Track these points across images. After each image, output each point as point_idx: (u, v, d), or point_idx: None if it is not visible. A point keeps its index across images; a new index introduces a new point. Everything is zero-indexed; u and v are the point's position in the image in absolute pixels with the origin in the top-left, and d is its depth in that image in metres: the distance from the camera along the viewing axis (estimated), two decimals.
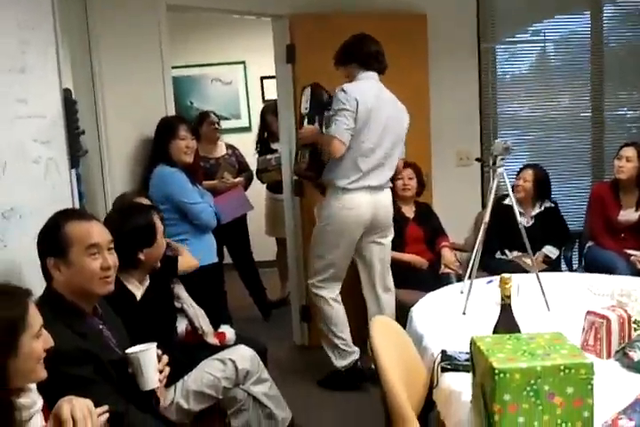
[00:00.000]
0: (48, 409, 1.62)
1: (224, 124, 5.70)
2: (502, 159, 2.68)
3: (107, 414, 1.64)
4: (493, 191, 2.70)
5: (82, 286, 2.04)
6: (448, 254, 4.10)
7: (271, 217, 5.27)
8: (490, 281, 2.92)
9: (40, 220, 2.41)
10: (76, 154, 3.12)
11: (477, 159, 4.28)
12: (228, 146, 5.02)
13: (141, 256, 2.60)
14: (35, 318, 1.57)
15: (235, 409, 2.64)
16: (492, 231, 2.73)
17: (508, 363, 1.61)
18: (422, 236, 4.21)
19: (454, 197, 4.57)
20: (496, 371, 1.59)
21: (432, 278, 3.88)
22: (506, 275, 1.96)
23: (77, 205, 3.08)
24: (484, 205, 4.62)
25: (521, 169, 4.36)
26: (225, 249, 4.90)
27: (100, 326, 2.11)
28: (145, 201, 3.13)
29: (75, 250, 2.02)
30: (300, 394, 3.26)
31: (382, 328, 2.15)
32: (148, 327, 2.41)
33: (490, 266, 3.53)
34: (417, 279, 3.90)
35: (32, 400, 1.59)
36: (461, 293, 2.75)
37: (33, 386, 1.62)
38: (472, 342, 1.79)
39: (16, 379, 1.52)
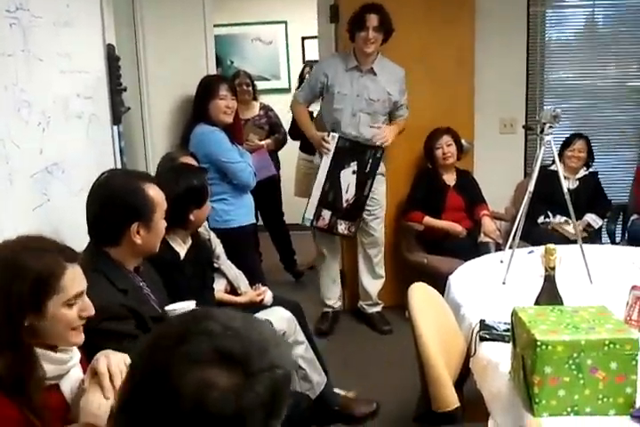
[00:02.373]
0: (87, 362, 1.63)
1: (263, 85, 5.64)
2: (550, 127, 2.61)
3: None
4: (540, 159, 2.64)
5: (151, 249, 2.08)
6: (488, 223, 4.04)
7: (300, 178, 5.22)
8: (531, 251, 2.87)
9: (83, 175, 2.43)
10: (118, 110, 3.13)
11: (525, 127, 4.18)
12: (262, 106, 4.95)
13: (191, 217, 2.63)
14: (72, 283, 1.50)
15: None
16: (535, 196, 2.68)
17: (550, 335, 1.59)
18: (462, 204, 4.15)
19: (496, 165, 4.48)
20: (538, 343, 1.57)
21: (470, 247, 3.83)
22: (551, 245, 1.92)
23: (119, 162, 3.11)
24: (526, 174, 4.54)
25: (570, 139, 4.28)
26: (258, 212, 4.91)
27: (141, 284, 2.12)
28: (191, 160, 3.14)
29: (157, 214, 2.06)
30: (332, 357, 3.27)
31: (421, 294, 2.14)
32: (189, 286, 2.43)
33: (531, 235, 3.46)
34: (454, 248, 3.86)
35: (68, 356, 1.59)
36: (501, 262, 2.71)
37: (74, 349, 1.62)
38: (514, 313, 1.77)
39: (43, 338, 1.49)
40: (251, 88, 4.90)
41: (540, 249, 2.08)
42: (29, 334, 1.45)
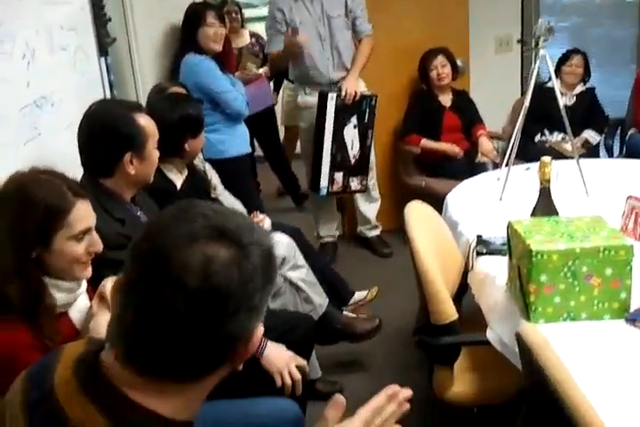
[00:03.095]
0: (92, 291, 1.66)
1: (251, 13, 5.50)
2: (545, 41, 2.56)
3: None
4: (535, 74, 2.60)
5: (146, 179, 2.07)
6: (485, 143, 4.01)
7: (286, 109, 5.12)
8: (528, 168, 2.87)
9: (73, 108, 2.40)
10: (104, 42, 3.07)
11: (519, 41, 4.10)
12: (252, 34, 4.85)
13: (186, 146, 2.61)
14: (80, 218, 1.51)
15: (272, 294, 2.70)
16: (531, 114, 2.65)
17: (545, 245, 1.60)
18: (459, 124, 4.12)
19: (492, 84, 4.42)
20: (533, 253, 1.58)
21: (468, 168, 3.82)
22: (546, 158, 1.92)
23: (109, 95, 3.06)
24: (523, 93, 4.48)
25: (567, 54, 4.22)
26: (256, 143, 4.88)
27: (139, 213, 2.13)
28: (182, 90, 3.09)
29: (150, 144, 2.04)
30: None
31: (417, 213, 2.14)
32: None
33: (528, 153, 3.44)
34: (452, 169, 3.85)
35: (77, 284, 1.62)
36: (498, 180, 2.71)
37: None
38: (509, 226, 1.78)
39: (50, 271, 1.52)
40: (239, 16, 4.79)
41: (537, 166, 2.07)
42: (38, 267, 1.49)
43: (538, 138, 4.10)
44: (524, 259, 1.63)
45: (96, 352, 0.97)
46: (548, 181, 1.94)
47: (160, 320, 0.87)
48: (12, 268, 1.45)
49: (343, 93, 3.73)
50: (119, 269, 1.80)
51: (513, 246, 1.76)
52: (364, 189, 4.01)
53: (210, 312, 0.88)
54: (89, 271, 1.58)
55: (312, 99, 3.83)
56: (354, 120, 3.83)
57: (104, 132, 1.99)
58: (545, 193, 1.96)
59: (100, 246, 1.57)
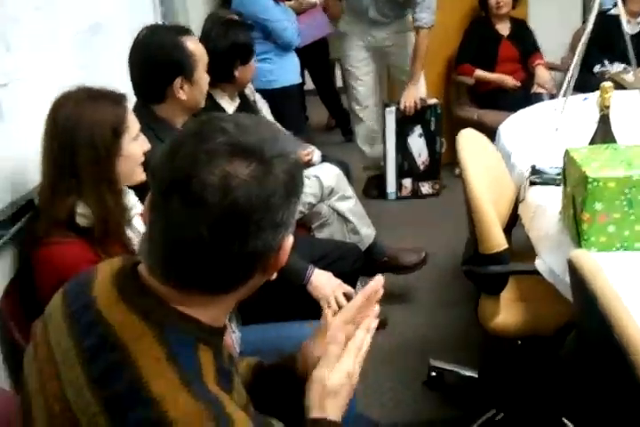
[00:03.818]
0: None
1: None
2: None
3: None
4: None
5: (197, 104, 2.06)
6: (542, 73, 3.88)
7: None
8: (586, 98, 2.76)
9: (126, 34, 2.38)
10: None
11: None
12: None
13: (236, 73, 2.59)
14: (133, 121, 1.61)
15: (319, 223, 2.71)
16: (592, 43, 2.53)
17: (602, 171, 1.55)
18: (516, 54, 3.99)
19: (552, 12, 4.24)
20: (589, 179, 1.54)
21: (523, 100, 3.67)
22: (607, 83, 1.84)
23: (159, 21, 3.04)
24: (584, 21, 4.27)
25: None
26: (307, 75, 4.81)
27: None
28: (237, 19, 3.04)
29: (199, 68, 2.02)
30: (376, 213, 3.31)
31: (470, 141, 2.09)
32: None
33: (587, 84, 3.31)
34: (506, 101, 3.75)
35: (132, 203, 1.67)
36: (555, 110, 2.62)
37: (130, 191, 1.69)
38: (566, 153, 1.73)
39: (122, 178, 1.60)
40: None
41: (596, 95, 1.99)
42: (117, 178, 1.58)
43: (597, 69, 3.93)
44: (580, 186, 1.59)
45: (134, 265, 0.99)
46: (608, 107, 1.86)
47: (184, 238, 0.88)
48: (101, 184, 1.53)
49: (402, 106, 3.70)
50: None
51: (568, 174, 1.71)
52: (438, 193, 3.99)
53: (232, 229, 0.87)
54: (144, 174, 1.66)
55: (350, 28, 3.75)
56: (418, 129, 3.85)
57: (153, 58, 1.98)
58: (604, 120, 1.89)
59: (148, 144, 1.68)
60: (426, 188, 3.99)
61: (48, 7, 1.96)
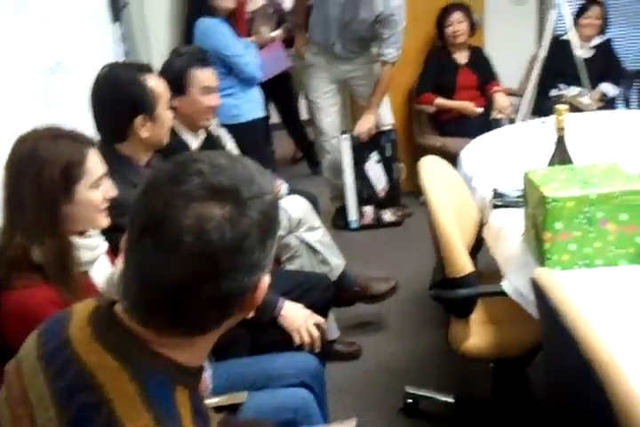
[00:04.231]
0: (113, 254, 1.68)
1: None
2: None
3: None
4: (552, 22, 2.54)
5: (160, 141, 2.06)
6: (501, 99, 3.96)
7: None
8: (544, 122, 2.83)
9: (88, 74, 2.39)
10: (116, 6, 3.05)
11: None
12: None
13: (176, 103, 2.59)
14: (95, 166, 1.56)
15: (288, 256, 2.71)
16: (547, 68, 2.60)
17: (560, 191, 1.59)
18: (475, 82, 4.06)
19: (508, 39, 4.34)
20: (548, 199, 1.57)
21: (484, 126, 3.76)
22: (561, 106, 1.89)
23: (122, 59, 3.06)
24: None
25: (585, 5, 4.10)
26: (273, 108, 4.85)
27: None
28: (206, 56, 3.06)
29: (161, 105, 2.03)
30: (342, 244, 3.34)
31: (431, 167, 2.13)
32: None
33: (544, 109, 3.40)
34: (468, 128, 3.81)
35: (95, 243, 1.64)
36: (543, 123, 2.64)
37: (96, 230, 1.67)
38: (525, 175, 1.77)
39: (74, 224, 1.55)
40: None
41: (553, 118, 2.04)
42: (63, 222, 1.51)
43: (554, 92, 4.03)
44: (540, 207, 1.62)
45: (110, 304, 0.98)
46: (563, 129, 1.91)
47: (159, 280, 0.87)
48: (40, 226, 1.47)
49: (356, 133, 3.76)
50: None
51: (528, 196, 1.75)
52: (401, 221, 4.02)
53: (207, 271, 0.87)
54: (107, 220, 1.62)
55: (316, 60, 3.83)
56: (374, 155, 3.90)
57: (113, 96, 1.99)
58: (561, 141, 1.93)
59: (114, 191, 1.62)
60: (388, 215, 4.01)
61: (8, 48, 1.97)
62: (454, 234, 1.82)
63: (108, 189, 1.61)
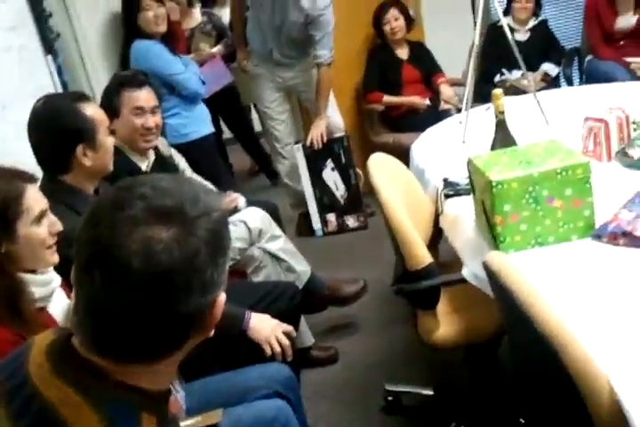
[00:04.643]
0: (68, 287, 1.66)
1: None
2: None
3: None
4: (480, 12, 2.57)
5: (104, 168, 2.04)
6: (446, 90, 4.00)
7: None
8: (488, 108, 2.84)
9: (23, 110, 2.36)
10: (48, 38, 3.02)
11: None
12: (204, 12, 4.76)
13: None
14: (35, 201, 1.52)
15: (253, 267, 2.69)
16: (488, 54, 2.63)
17: (504, 174, 1.60)
18: (419, 76, 4.09)
19: (447, 31, 4.37)
20: (493, 183, 1.58)
21: (433, 118, 3.76)
22: (497, 90, 1.91)
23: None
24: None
25: None
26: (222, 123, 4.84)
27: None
28: (140, 77, 3.04)
29: (101, 132, 2.00)
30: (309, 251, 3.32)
31: (379, 163, 2.14)
32: None
33: (489, 94, 3.42)
34: (418, 122, 3.80)
35: (49, 277, 1.61)
36: (460, 123, 2.70)
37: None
38: (469, 162, 1.78)
39: (21, 263, 1.51)
40: None
41: None
42: (9, 261, 1.47)
43: (498, 78, 4.07)
44: (486, 192, 1.63)
45: (67, 336, 0.96)
46: (502, 112, 1.93)
47: (110, 309, 0.86)
48: None
49: (308, 142, 3.77)
50: None
51: (475, 182, 1.76)
52: (365, 225, 4.02)
53: (159, 294, 0.86)
54: (57, 256, 1.58)
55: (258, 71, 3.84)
56: (329, 163, 3.91)
57: (52, 128, 1.96)
58: (501, 125, 1.95)
59: (59, 225, 1.58)
60: (351, 221, 4.01)
61: None
62: (408, 227, 1.83)
63: (53, 224, 1.57)
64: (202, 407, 1.66)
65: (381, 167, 2.14)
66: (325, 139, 3.78)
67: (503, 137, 1.95)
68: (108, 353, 0.90)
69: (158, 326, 0.87)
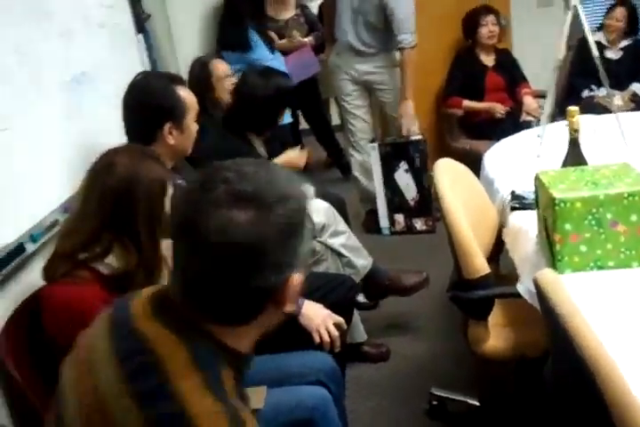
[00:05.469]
0: None
1: None
2: None
3: None
4: (568, 22, 2.53)
5: (184, 151, 2.15)
6: (530, 101, 3.94)
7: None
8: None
9: (113, 84, 2.47)
10: (140, 17, 3.13)
11: None
12: (298, 5, 4.83)
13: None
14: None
15: (313, 260, 2.74)
16: (577, 69, 2.59)
17: (568, 193, 1.59)
18: (502, 84, 4.05)
19: (536, 41, 4.31)
20: (556, 201, 1.58)
21: (513, 128, 3.73)
22: (572, 107, 1.89)
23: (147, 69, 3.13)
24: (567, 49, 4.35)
25: (610, 7, 4.06)
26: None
27: (179, 181, 2.20)
28: (223, 63, 3.14)
29: (189, 116, 2.11)
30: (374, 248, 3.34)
31: (446, 169, 2.14)
32: None
33: None
34: (497, 130, 3.78)
35: None
36: (538, 136, 2.67)
37: None
38: (536, 177, 1.77)
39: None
40: None
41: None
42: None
43: (586, 93, 3.99)
44: (549, 208, 1.63)
45: (167, 290, 1.09)
46: (577, 131, 1.91)
47: (197, 277, 1.00)
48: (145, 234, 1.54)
49: (404, 131, 3.77)
50: None
51: (539, 197, 1.75)
52: (433, 229, 4.01)
53: (232, 268, 0.97)
54: None
55: (336, 61, 3.86)
56: (403, 165, 3.91)
57: (145, 101, 2.08)
58: (574, 144, 1.93)
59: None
60: (419, 224, 4.01)
61: (31, 59, 2.04)
62: (468, 235, 1.83)
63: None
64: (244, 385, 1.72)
65: (447, 173, 2.14)
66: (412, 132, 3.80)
67: (574, 155, 1.93)
68: (193, 308, 1.02)
69: (232, 294, 0.99)
